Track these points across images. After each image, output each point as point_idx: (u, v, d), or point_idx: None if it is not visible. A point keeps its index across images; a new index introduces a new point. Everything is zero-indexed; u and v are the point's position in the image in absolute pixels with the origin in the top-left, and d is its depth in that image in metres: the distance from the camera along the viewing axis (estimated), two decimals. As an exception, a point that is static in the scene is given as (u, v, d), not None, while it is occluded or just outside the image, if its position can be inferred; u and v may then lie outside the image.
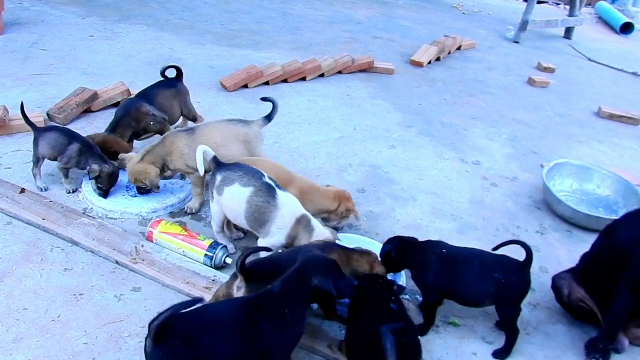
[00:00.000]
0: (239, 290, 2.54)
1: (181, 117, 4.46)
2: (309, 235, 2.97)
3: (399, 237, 3.06)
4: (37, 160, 3.61)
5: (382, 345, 2.16)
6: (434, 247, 2.99)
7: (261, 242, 3.05)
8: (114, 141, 3.85)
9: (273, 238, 3.01)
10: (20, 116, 4.23)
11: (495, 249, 2.99)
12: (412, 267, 3.00)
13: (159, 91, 4.21)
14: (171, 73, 4.36)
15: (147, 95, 4.13)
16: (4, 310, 2.72)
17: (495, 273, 2.80)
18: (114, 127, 3.93)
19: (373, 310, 2.54)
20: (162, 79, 4.33)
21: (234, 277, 2.61)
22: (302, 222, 2.99)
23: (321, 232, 3.01)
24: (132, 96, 4.10)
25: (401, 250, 2.97)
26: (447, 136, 5.42)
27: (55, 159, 3.63)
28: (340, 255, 2.77)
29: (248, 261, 2.57)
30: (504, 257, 2.91)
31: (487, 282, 2.81)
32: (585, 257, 3.26)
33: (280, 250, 3.02)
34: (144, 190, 3.61)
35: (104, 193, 3.62)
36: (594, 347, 2.98)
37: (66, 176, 3.64)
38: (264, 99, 3.87)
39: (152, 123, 4.04)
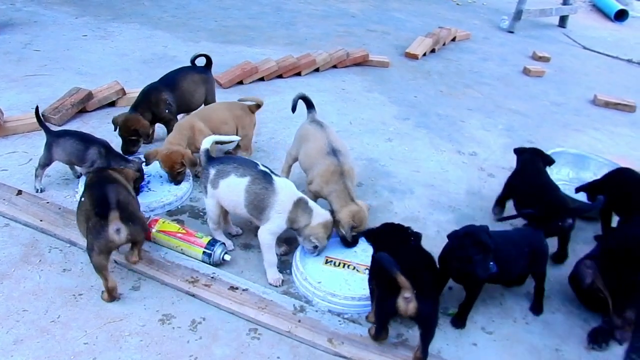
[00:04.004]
0: (119, 234, 2.75)
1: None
2: (308, 216, 3.09)
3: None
4: (45, 164, 3.55)
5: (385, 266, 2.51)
6: None
7: (262, 230, 3.11)
8: (135, 119, 3.89)
9: (274, 224, 3.08)
10: (16, 118, 4.27)
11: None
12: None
13: (187, 75, 4.32)
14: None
15: (170, 81, 4.22)
16: (3, 312, 2.72)
17: (526, 247, 3.05)
18: (134, 108, 4.03)
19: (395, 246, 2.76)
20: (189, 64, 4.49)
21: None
22: (300, 205, 3.09)
23: (320, 213, 3.14)
24: (156, 81, 4.24)
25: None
26: (443, 128, 5.42)
27: (70, 164, 3.63)
28: None
29: None
30: (523, 230, 3.23)
31: (523, 258, 3.05)
32: (605, 245, 3.27)
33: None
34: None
35: (137, 191, 3.54)
36: (597, 338, 3.01)
37: None
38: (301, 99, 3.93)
39: (166, 111, 4.11)
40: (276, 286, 3.14)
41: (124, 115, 3.99)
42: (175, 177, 3.77)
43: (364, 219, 3.30)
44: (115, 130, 3.97)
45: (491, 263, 2.78)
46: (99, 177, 3.09)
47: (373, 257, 2.93)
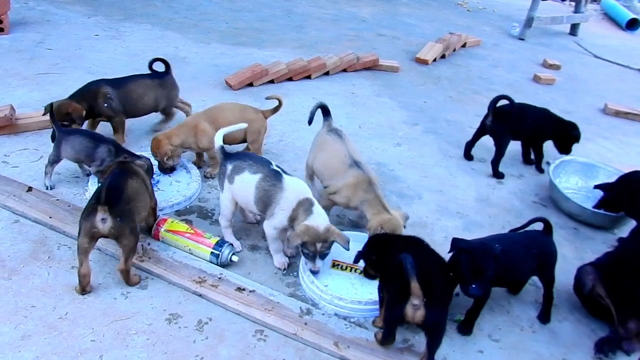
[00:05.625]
0: (104, 223, 2.75)
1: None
2: (305, 217, 3.05)
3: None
4: (54, 161, 3.58)
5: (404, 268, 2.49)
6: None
7: (266, 224, 3.17)
8: (67, 104, 3.87)
9: (276, 219, 3.13)
10: (27, 115, 4.30)
11: (518, 229, 3.29)
12: None
13: (137, 79, 4.27)
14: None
15: (116, 80, 4.19)
16: (12, 308, 2.73)
17: (533, 249, 3.07)
18: (71, 96, 3.99)
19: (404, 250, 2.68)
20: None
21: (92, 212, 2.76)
22: (303, 205, 3.08)
23: (317, 218, 3.05)
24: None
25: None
26: (452, 134, 5.41)
27: (79, 162, 3.65)
28: None
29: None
30: (532, 233, 3.21)
31: (529, 260, 3.06)
32: (611, 256, 3.26)
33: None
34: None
35: None
36: (603, 347, 2.99)
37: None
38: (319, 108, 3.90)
39: (105, 105, 4.04)
40: (282, 269, 3.25)
41: (57, 101, 3.88)
42: (160, 166, 3.86)
43: (396, 227, 3.23)
44: (43, 115, 3.86)
45: (473, 285, 2.74)
46: (121, 168, 3.14)
47: (389, 262, 2.87)
